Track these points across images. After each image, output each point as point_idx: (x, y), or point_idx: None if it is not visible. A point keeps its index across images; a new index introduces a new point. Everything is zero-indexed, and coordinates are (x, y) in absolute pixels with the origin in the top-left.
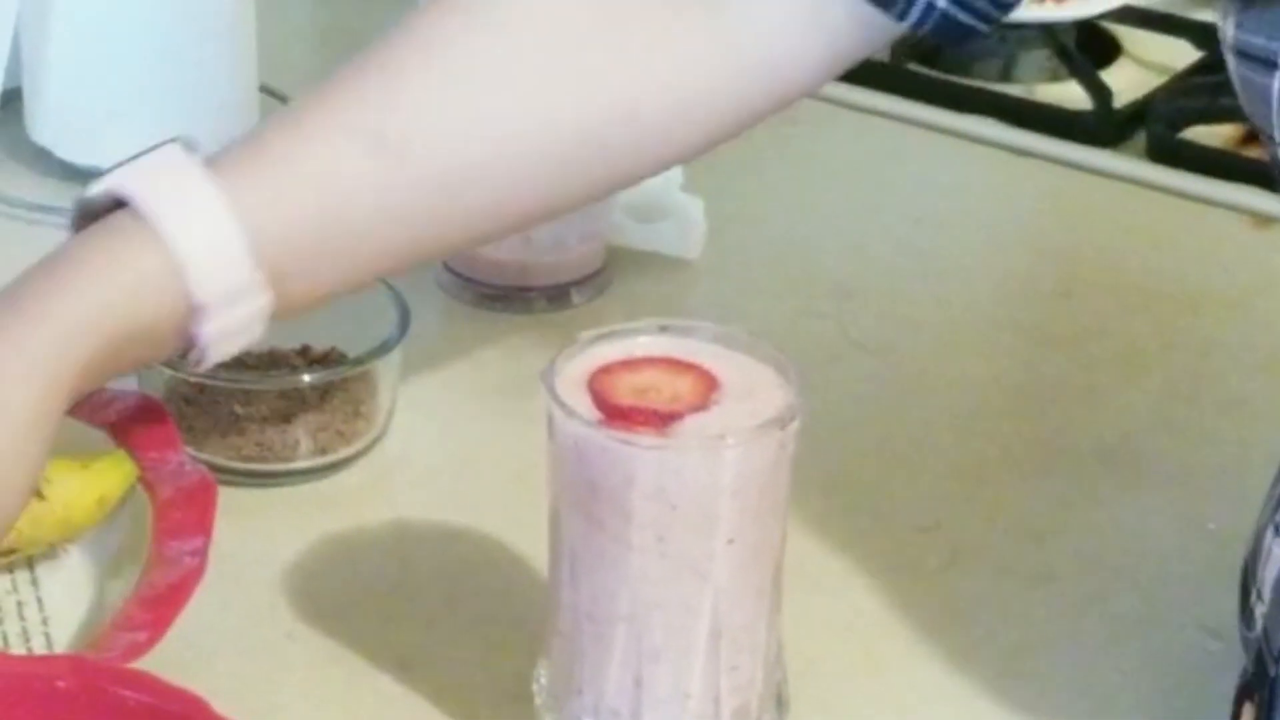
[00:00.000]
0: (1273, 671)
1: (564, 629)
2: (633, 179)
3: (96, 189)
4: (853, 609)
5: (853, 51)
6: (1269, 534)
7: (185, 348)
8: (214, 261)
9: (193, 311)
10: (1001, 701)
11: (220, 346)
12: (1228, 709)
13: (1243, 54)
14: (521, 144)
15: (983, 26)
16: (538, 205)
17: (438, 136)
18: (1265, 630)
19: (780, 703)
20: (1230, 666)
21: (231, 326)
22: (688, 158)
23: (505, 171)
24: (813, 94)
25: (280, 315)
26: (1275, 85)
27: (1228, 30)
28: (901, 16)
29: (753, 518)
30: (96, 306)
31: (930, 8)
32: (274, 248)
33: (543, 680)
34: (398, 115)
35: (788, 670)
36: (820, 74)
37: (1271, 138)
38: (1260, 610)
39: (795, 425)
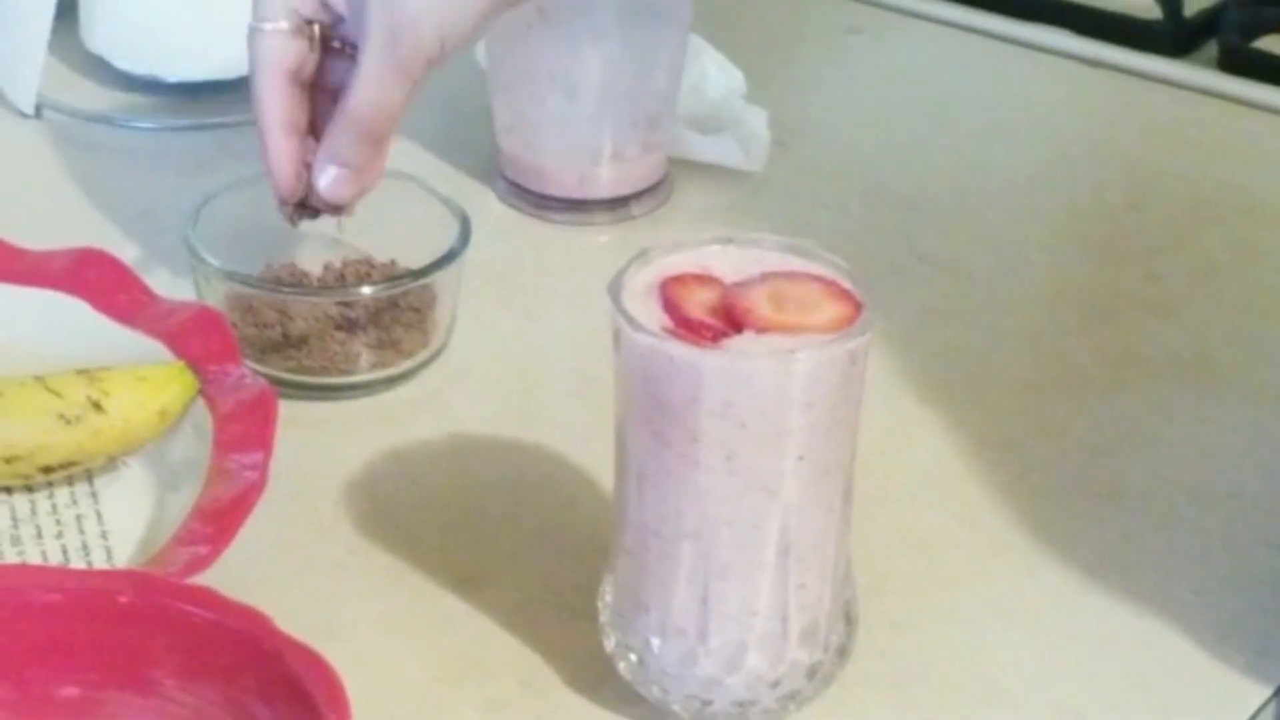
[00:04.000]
0: None
1: (630, 546)
2: None
3: None
4: (923, 525)
5: None
6: None
7: None
8: None
9: None
10: (1072, 619)
11: None
12: None
13: None
14: None
15: None
16: None
17: None
18: None
19: (849, 620)
20: None
21: None
22: None
23: None
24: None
25: None
26: None
27: None
28: None
29: (823, 434)
30: None
31: None
32: None
33: (608, 598)
34: None
35: (857, 588)
36: None
37: None
38: None
39: (866, 339)
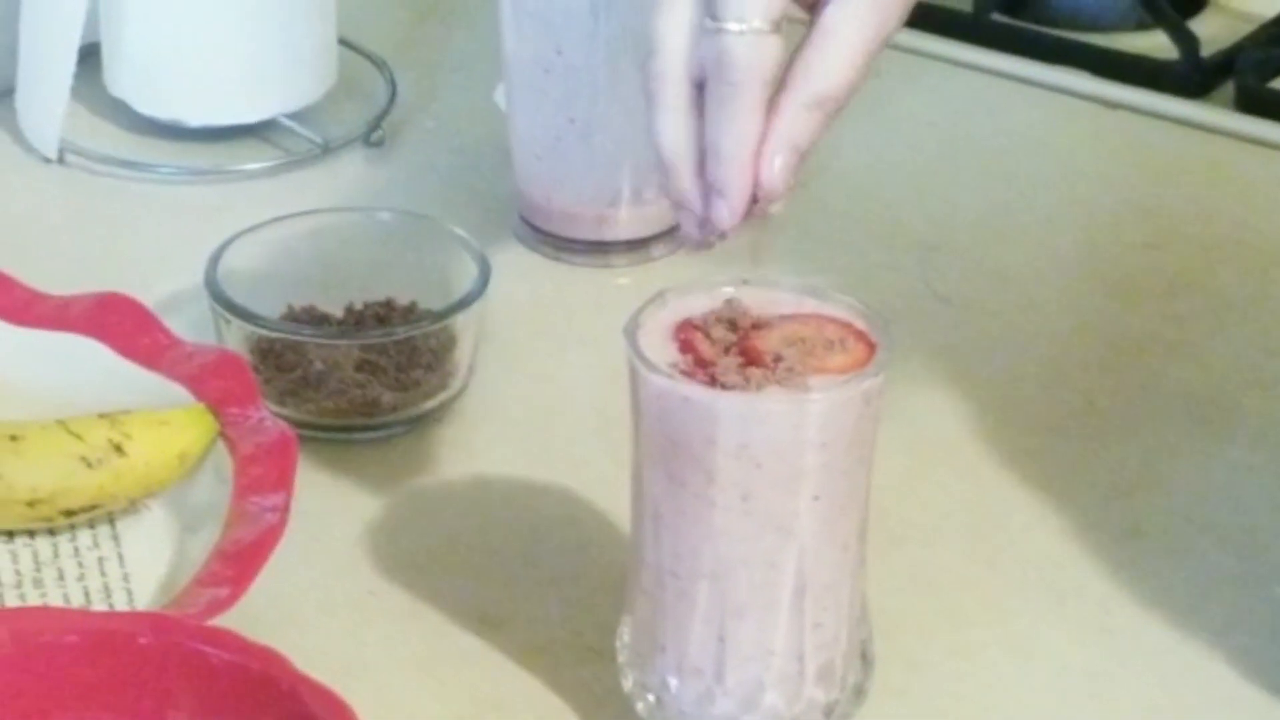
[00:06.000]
0: None
1: (647, 586)
2: None
3: None
4: (938, 564)
5: None
6: None
7: None
8: None
9: None
10: (1088, 658)
11: None
12: None
13: None
14: None
15: None
16: None
17: None
18: None
19: (865, 659)
20: None
21: None
22: None
23: None
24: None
25: None
26: None
27: None
28: None
29: (838, 474)
30: None
31: None
32: None
33: (626, 638)
34: None
35: (873, 627)
36: None
37: None
38: None
39: (880, 380)
